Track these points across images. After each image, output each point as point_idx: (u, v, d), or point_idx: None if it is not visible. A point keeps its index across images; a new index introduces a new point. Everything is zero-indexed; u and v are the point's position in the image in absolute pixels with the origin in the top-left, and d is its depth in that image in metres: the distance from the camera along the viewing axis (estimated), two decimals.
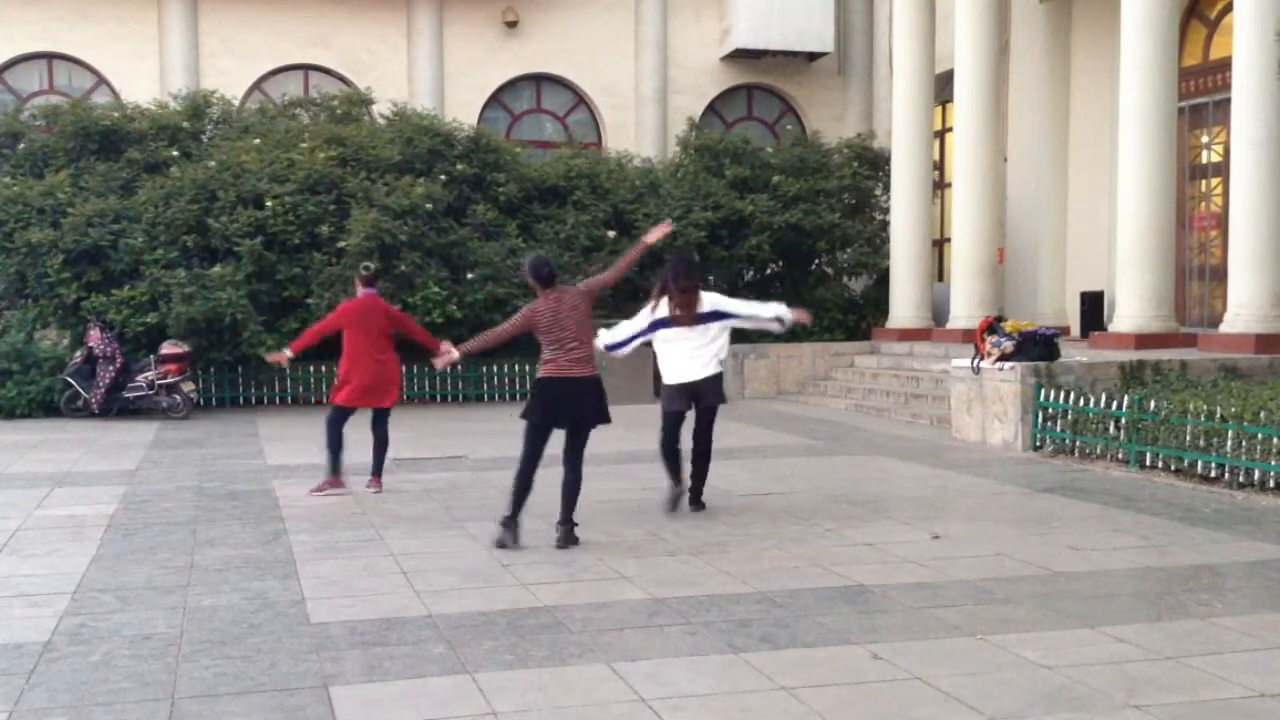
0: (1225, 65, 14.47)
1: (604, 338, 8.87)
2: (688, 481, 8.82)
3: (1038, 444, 11.75)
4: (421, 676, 5.05)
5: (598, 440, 10.22)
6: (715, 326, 8.82)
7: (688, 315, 8.69)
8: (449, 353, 8.26)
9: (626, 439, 10.47)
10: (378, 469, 9.89)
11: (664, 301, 8.73)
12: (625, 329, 8.98)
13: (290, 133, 18.11)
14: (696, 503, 8.87)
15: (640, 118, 22.85)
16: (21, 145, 17.93)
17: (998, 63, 17.20)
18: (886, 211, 19.79)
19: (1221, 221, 15.17)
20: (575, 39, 22.63)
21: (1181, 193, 15.56)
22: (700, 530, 8.06)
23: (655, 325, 8.78)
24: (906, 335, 17.90)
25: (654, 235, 8.49)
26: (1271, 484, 9.26)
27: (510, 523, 7.58)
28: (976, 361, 12.44)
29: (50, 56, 21.15)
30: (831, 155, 20.47)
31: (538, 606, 6.12)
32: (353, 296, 10.18)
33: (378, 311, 9.82)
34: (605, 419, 7.90)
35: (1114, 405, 10.91)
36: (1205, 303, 16.11)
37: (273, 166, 16.96)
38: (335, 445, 9.72)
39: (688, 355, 8.72)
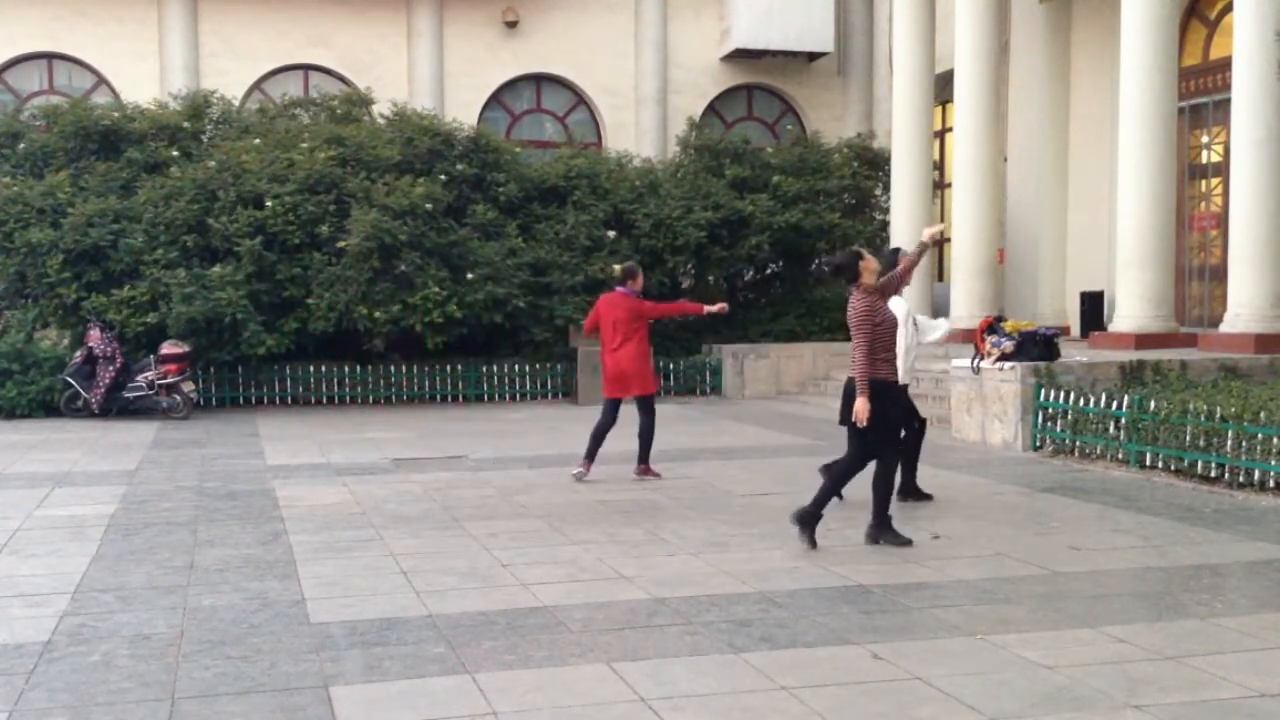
0: (1225, 65, 14.47)
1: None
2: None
3: (1038, 444, 11.75)
4: (421, 676, 5.04)
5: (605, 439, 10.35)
6: None
7: None
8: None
9: (626, 438, 10.46)
10: (642, 458, 10.36)
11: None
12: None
13: (290, 133, 18.10)
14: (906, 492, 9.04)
15: (640, 118, 22.87)
16: (21, 145, 17.94)
17: (998, 63, 17.20)
18: (886, 211, 19.80)
19: (1221, 221, 15.18)
20: (575, 39, 22.65)
21: (1181, 193, 15.56)
22: (700, 530, 8.06)
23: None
24: None
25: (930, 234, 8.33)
26: (1271, 484, 9.26)
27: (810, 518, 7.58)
28: (976, 361, 12.44)
29: (50, 56, 21.17)
30: (831, 155, 20.47)
31: (538, 606, 6.12)
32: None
33: (619, 308, 10.31)
34: (851, 422, 7.46)
35: (1114, 405, 10.91)
36: (1205, 303, 16.11)
37: (273, 166, 16.95)
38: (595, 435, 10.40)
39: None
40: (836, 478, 7.70)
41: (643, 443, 10.31)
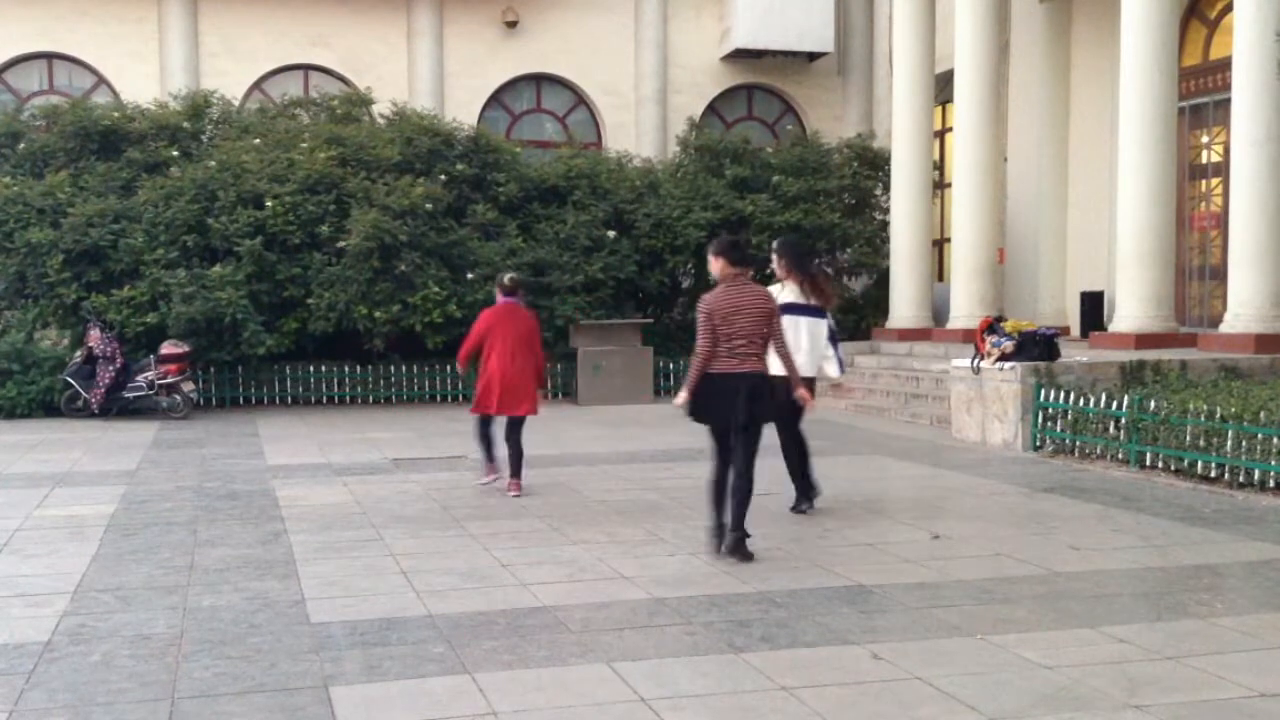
0: (1225, 65, 14.47)
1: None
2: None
3: (1038, 444, 11.75)
4: (421, 676, 5.04)
5: (594, 440, 10.26)
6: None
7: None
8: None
9: (626, 439, 10.44)
10: (515, 471, 9.67)
11: (792, 287, 8.64)
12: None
13: (290, 133, 18.10)
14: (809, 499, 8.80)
15: (640, 118, 22.86)
16: (21, 145, 17.93)
17: (998, 63, 17.20)
18: (886, 211, 19.80)
19: (1221, 221, 15.18)
20: (575, 39, 22.64)
21: (1181, 193, 15.56)
22: (700, 530, 8.06)
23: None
24: (906, 335, 17.89)
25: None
26: (1271, 484, 9.26)
27: (714, 530, 7.28)
28: (976, 361, 12.45)
29: (50, 56, 21.15)
30: (831, 155, 20.47)
31: (538, 606, 6.12)
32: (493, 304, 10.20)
33: (516, 320, 9.79)
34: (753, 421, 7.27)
35: (1114, 405, 10.91)
36: (1205, 303, 16.11)
37: (273, 166, 16.96)
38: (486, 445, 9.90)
39: (810, 347, 8.70)
40: (747, 489, 7.29)
41: (519, 458, 9.67)
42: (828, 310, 8.84)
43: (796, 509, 8.68)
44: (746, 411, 7.14)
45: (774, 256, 8.86)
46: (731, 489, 7.19)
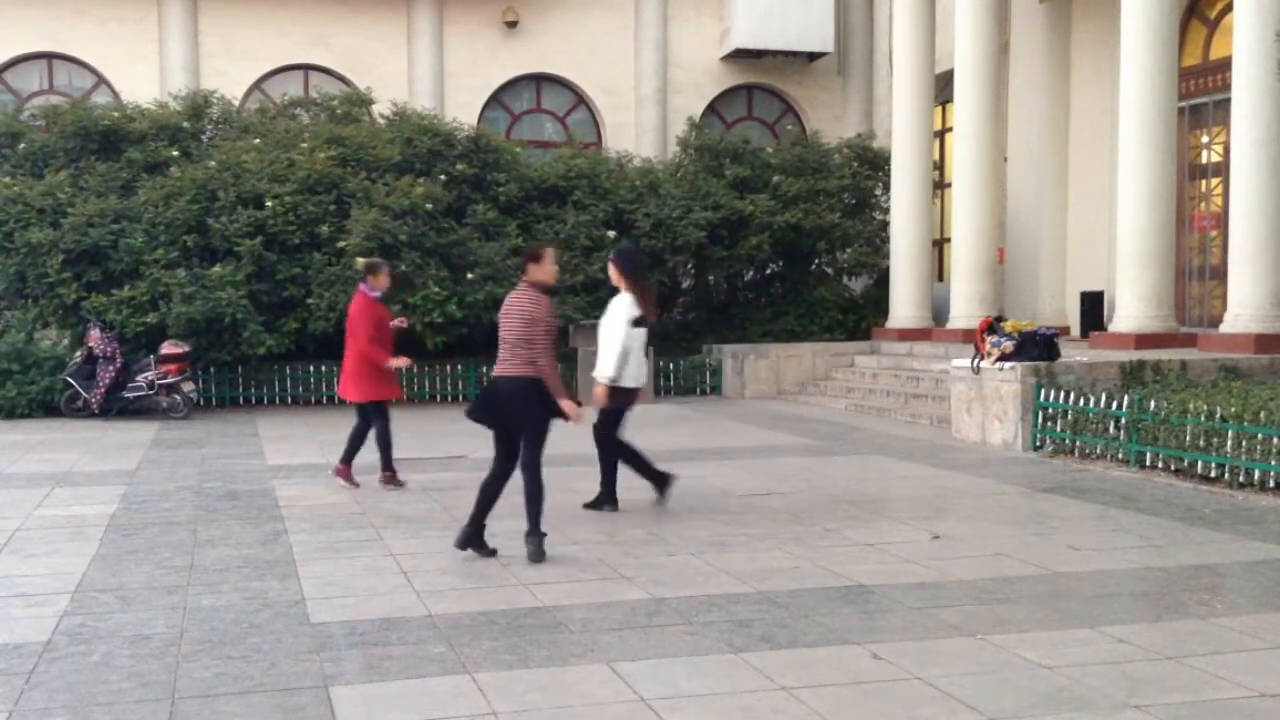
0: (1225, 65, 14.47)
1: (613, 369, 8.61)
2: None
3: (1038, 444, 11.75)
4: (421, 676, 5.05)
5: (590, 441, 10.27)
6: None
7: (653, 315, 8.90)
8: None
9: (625, 438, 10.42)
10: (346, 459, 10.09)
11: (630, 298, 8.70)
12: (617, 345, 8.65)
13: (290, 133, 18.11)
14: (613, 502, 8.83)
15: (640, 118, 22.86)
16: (21, 145, 17.91)
17: (998, 63, 17.20)
18: (886, 211, 19.80)
19: (1221, 221, 15.18)
20: (575, 39, 22.64)
21: (1181, 193, 15.57)
22: (700, 530, 8.06)
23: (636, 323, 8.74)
24: (906, 335, 17.90)
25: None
26: (1271, 484, 9.26)
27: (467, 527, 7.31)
28: (976, 361, 12.45)
29: (50, 56, 21.16)
30: (831, 155, 20.47)
31: (538, 606, 6.13)
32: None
33: (354, 306, 10.23)
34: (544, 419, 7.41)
35: (1114, 405, 10.91)
36: (1205, 303, 16.11)
37: (273, 166, 16.96)
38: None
39: (641, 358, 8.80)
40: (532, 492, 7.28)
41: (355, 446, 10.05)
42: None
43: (594, 506, 8.79)
44: (511, 414, 7.27)
45: (610, 266, 8.96)
46: (525, 494, 7.22)
